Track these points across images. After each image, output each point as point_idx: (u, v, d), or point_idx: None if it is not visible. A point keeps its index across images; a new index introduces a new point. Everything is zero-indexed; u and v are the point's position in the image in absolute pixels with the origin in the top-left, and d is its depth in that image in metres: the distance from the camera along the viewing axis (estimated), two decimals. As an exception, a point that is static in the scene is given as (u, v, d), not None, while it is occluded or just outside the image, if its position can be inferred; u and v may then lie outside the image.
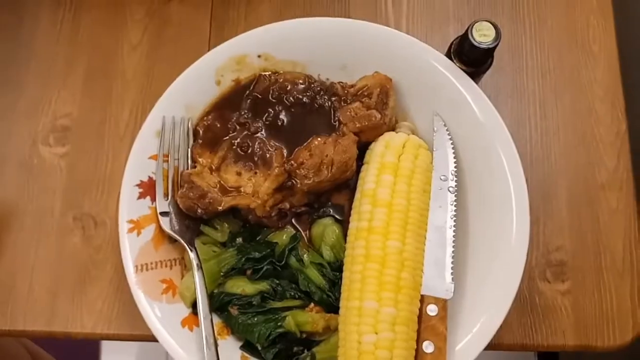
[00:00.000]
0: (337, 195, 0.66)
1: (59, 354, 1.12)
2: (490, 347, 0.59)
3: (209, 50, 0.69)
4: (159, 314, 0.58)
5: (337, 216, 0.65)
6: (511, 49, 0.76)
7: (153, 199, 0.63)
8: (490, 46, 0.61)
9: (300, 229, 0.65)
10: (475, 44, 0.60)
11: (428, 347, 0.54)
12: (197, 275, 0.59)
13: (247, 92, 0.67)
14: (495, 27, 0.61)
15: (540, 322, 0.66)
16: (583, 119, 0.73)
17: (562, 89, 0.74)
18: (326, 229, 0.64)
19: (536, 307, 0.66)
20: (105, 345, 1.44)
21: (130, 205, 0.61)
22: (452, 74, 0.64)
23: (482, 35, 0.61)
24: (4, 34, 0.77)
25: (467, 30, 0.61)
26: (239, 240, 0.63)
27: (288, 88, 0.66)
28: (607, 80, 0.74)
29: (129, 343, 1.43)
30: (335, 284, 0.61)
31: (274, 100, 0.66)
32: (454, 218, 0.60)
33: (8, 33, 0.77)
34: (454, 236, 0.59)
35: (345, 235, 0.62)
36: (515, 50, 0.76)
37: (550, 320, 0.66)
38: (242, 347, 0.60)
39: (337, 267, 0.62)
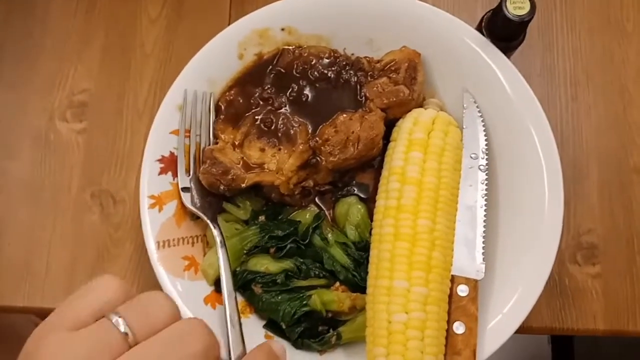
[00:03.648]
0: (361, 174, 0.64)
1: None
2: (520, 330, 0.57)
3: (229, 24, 0.67)
4: (181, 290, 0.57)
5: (361, 195, 0.63)
6: (541, 27, 0.73)
7: (174, 175, 0.61)
8: (525, 19, 0.58)
9: (324, 207, 0.63)
10: (510, 16, 0.58)
11: (459, 327, 0.52)
12: (221, 252, 0.58)
13: (270, 66, 0.65)
14: (530, -1, 0.58)
15: (570, 306, 0.64)
16: (615, 99, 0.71)
17: (593, 69, 0.72)
18: (350, 207, 0.62)
19: (566, 290, 0.64)
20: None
21: (151, 181, 0.60)
22: (483, 49, 0.62)
23: (517, 7, 0.58)
24: (19, 8, 0.75)
25: (500, 3, 0.59)
26: (262, 218, 0.61)
27: (312, 62, 0.64)
28: (641, 59, 0.72)
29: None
30: (360, 263, 0.59)
31: (298, 75, 0.64)
32: (485, 197, 0.58)
33: (23, 7, 0.75)
34: (485, 216, 0.58)
35: (370, 214, 0.61)
36: (546, 28, 0.73)
37: (580, 303, 0.64)
38: (265, 326, 0.59)
39: (362, 246, 0.60)
